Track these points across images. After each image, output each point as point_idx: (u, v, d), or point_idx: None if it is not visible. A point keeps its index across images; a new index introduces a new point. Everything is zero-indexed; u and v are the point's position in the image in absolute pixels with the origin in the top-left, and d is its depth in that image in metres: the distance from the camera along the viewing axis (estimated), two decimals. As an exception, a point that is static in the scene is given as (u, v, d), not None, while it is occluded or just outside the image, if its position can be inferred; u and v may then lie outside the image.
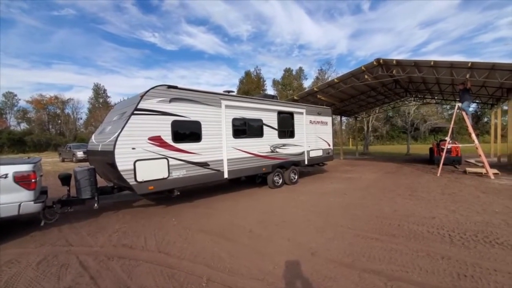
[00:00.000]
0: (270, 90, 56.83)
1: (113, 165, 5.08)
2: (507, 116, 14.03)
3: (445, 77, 11.08)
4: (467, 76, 10.06)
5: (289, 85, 51.48)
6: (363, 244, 3.90)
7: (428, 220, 4.90)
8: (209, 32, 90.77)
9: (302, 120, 10.01)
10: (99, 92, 59.83)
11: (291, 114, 9.49)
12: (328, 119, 11.76)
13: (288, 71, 53.66)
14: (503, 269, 3.02)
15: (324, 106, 12.42)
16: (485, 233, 4.18)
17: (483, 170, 9.90)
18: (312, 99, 15.63)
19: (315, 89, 14.97)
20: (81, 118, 57.60)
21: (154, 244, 4.19)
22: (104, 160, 5.54)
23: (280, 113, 8.96)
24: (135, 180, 5.27)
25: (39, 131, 45.20)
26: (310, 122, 10.49)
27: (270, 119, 8.57)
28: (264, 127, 8.34)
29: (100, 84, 59.73)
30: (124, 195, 7.43)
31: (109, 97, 61.66)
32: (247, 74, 55.06)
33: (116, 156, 5.02)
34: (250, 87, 52.06)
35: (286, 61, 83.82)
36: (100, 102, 59.28)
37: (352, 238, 4.15)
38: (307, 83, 52.54)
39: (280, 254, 3.68)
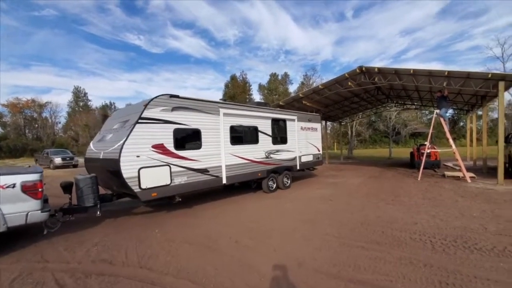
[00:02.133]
0: (256, 95, 57.16)
1: (117, 173, 5.14)
2: (482, 121, 14.81)
3: (424, 84, 11.54)
4: (444, 84, 10.53)
5: (275, 90, 51.97)
6: (349, 253, 3.92)
7: (411, 226, 5.01)
8: (196, 36, 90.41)
9: (294, 127, 10.39)
10: (79, 96, 57.87)
11: (284, 121, 9.87)
12: (318, 126, 12.26)
13: (274, 76, 54.21)
14: (482, 276, 3.12)
15: (314, 113, 12.76)
16: (464, 238, 4.32)
17: (460, 174, 10.33)
18: (297, 104, 15.81)
19: (300, 95, 15.16)
20: (59, 122, 55.44)
21: (135, 258, 4.02)
22: (106, 168, 5.61)
23: (273, 120, 9.32)
24: (139, 187, 5.39)
25: (15, 135, 43.10)
26: (301, 128, 10.86)
27: (265, 126, 8.91)
28: (259, 134, 8.66)
29: (80, 87, 57.83)
30: (123, 203, 7.29)
31: (90, 100, 59.84)
32: (233, 78, 55.12)
33: (121, 164, 5.11)
34: (236, 91, 52.10)
35: (272, 66, 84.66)
36: (81, 106, 57.35)
37: (338, 247, 4.16)
38: (292, 88, 53.34)
39: (267, 265, 3.63)
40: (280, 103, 16.23)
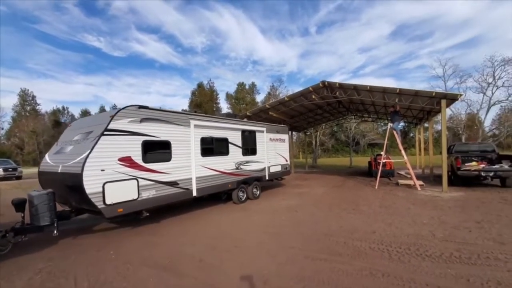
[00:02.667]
0: (224, 104, 57.04)
1: (79, 188, 4.79)
2: (428, 132, 16.50)
3: (379, 100, 12.55)
4: (396, 100, 11.56)
5: (242, 99, 52.35)
6: (313, 267, 3.96)
7: (370, 235, 5.25)
8: (162, 41, 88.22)
9: (263, 138, 10.61)
10: (26, 99, 52.46)
11: (253, 133, 10.03)
12: (286, 137, 12.63)
13: (241, 85, 54.69)
14: (433, 283, 3.34)
15: (282, 125, 13.13)
16: (416, 245, 4.63)
17: (411, 182, 11.24)
18: (264, 115, 16.05)
19: (267, 106, 15.46)
20: (2, 128, 49.37)
21: (86, 286, 3.62)
22: (66, 183, 5.27)
23: (243, 131, 9.44)
24: (104, 203, 5.05)
25: None
26: (270, 139, 11.10)
27: (235, 137, 8.99)
28: (230, 145, 8.71)
29: (28, 90, 52.43)
30: (84, 220, 6.82)
31: (38, 104, 54.48)
32: (200, 86, 54.49)
33: (84, 178, 4.77)
34: (203, 99, 51.50)
35: (240, 75, 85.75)
36: (28, 110, 51.90)
37: (302, 261, 4.19)
38: (259, 98, 54.19)
39: (232, 285, 3.50)
40: (248, 113, 16.34)
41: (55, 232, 5.07)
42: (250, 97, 53.86)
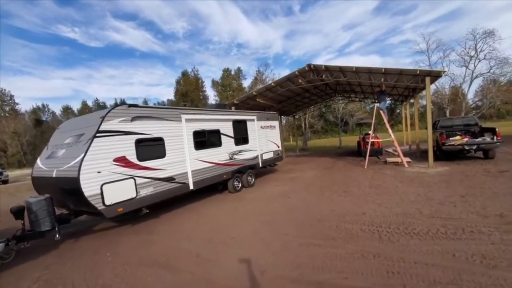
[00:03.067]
0: (210, 91, 56.02)
1: (77, 191, 4.83)
2: (414, 109, 16.80)
3: (365, 80, 12.58)
4: (382, 80, 11.60)
5: (228, 86, 51.43)
6: (307, 253, 4.07)
7: (360, 217, 5.41)
8: (140, 28, 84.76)
9: (254, 126, 10.72)
10: (4, 99, 50.08)
11: (244, 122, 10.13)
12: (276, 123, 12.71)
13: (227, 71, 53.54)
14: (421, 260, 3.50)
15: (271, 112, 13.18)
16: (405, 224, 4.81)
17: (399, 160, 11.54)
18: (251, 102, 15.90)
19: (254, 93, 15.28)
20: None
21: (83, 291, 3.62)
22: (62, 187, 5.29)
23: (234, 121, 9.52)
24: (103, 204, 5.13)
25: None
26: (261, 127, 11.23)
27: (227, 128, 9.08)
28: (222, 136, 8.83)
29: (5, 90, 49.92)
30: (84, 222, 6.85)
31: (17, 104, 52.22)
32: (184, 74, 53.07)
33: (81, 182, 4.81)
34: (189, 88, 50.39)
35: (225, 60, 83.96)
36: (7, 111, 49.74)
37: (297, 248, 4.30)
38: (246, 83, 53.38)
39: (230, 278, 3.57)
40: (235, 101, 16.14)
41: (57, 236, 5.11)
42: (236, 83, 52.92)
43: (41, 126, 52.16)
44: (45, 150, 6.48)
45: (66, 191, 5.28)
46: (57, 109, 60.11)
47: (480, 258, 3.41)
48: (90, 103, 60.90)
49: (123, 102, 58.75)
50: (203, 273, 3.81)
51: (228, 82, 52.15)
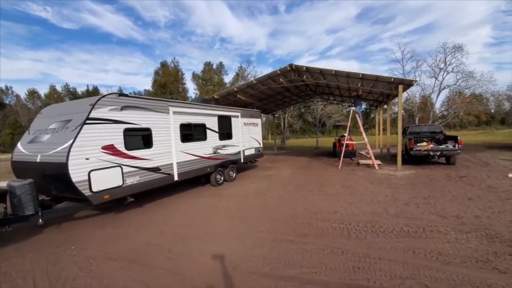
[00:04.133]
0: (190, 84, 54.85)
1: (64, 177, 4.90)
2: (386, 114, 17.67)
3: (344, 84, 13.00)
4: (359, 84, 12.07)
5: (209, 80, 50.55)
6: (280, 249, 4.17)
7: (332, 215, 5.63)
8: (119, 13, 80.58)
9: (238, 123, 10.99)
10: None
11: (229, 118, 10.37)
12: (258, 121, 13.09)
13: (208, 65, 52.50)
14: (385, 257, 3.73)
15: (255, 109, 13.43)
16: (372, 222, 5.09)
17: (371, 162, 12.10)
18: (232, 98, 15.81)
19: (235, 89, 15.19)
20: None
21: (46, 285, 3.44)
22: (47, 172, 5.32)
23: (220, 117, 9.73)
24: (90, 191, 5.23)
25: None
26: (244, 124, 11.53)
27: (212, 123, 9.30)
28: (207, 130, 9.05)
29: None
30: (67, 209, 6.64)
31: (-21, 86, 47.46)
32: (164, 65, 51.33)
33: (69, 168, 4.87)
34: (168, 79, 48.86)
35: (208, 53, 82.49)
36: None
37: (270, 244, 4.38)
38: (228, 78, 52.83)
39: (202, 274, 3.56)
40: (215, 96, 15.94)
41: (40, 221, 5.14)
42: (218, 77, 52.14)
43: (3, 110, 48.09)
44: (26, 134, 6.39)
45: (52, 176, 5.30)
46: (21, 92, 55.52)
47: (437, 255, 3.70)
48: (59, 88, 57.03)
49: (95, 89, 56.01)
50: (175, 268, 3.76)
51: (209, 76, 51.23)
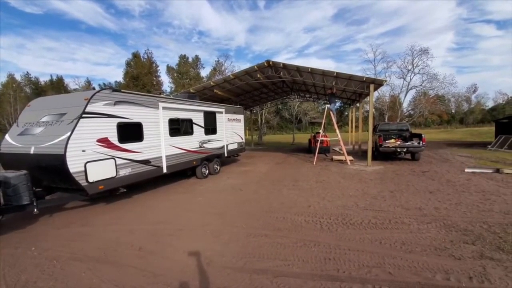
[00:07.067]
0: (165, 77, 53.07)
1: (61, 168, 5.16)
2: (359, 112, 18.41)
3: (319, 82, 13.32)
4: (334, 82, 12.42)
5: (185, 74, 49.19)
6: (255, 243, 4.21)
7: (306, 209, 5.79)
8: None
9: (222, 118, 11.49)
10: None
11: (214, 114, 10.80)
12: (241, 117, 13.61)
13: (183, 58, 51.00)
14: (354, 247, 3.92)
15: (238, 106, 13.88)
16: (343, 215, 5.31)
17: (343, 158, 12.58)
18: (209, 93, 15.57)
19: (212, 83, 14.95)
20: None
21: (2, 289, 3.19)
22: (42, 164, 5.47)
23: (205, 112, 10.17)
24: (87, 181, 5.50)
25: None
26: (228, 119, 12.02)
27: (198, 118, 9.75)
28: (194, 125, 9.47)
29: None
30: (60, 199, 6.49)
31: None
32: (136, 56, 48.99)
33: (67, 159, 5.13)
34: (141, 71, 46.80)
35: (185, 46, 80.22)
36: None
37: (245, 239, 4.41)
38: (204, 72, 51.82)
39: (175, 271, 3.50)
40: (191, 90, 15.59)
41: (35, 210, 5.20)
42: (194, 71, 50.87)
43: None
44: (14, 126, 6.44)
45: (47, 167, 5.45)
46: (-25, 80, 50.12)
47: (401, 245, 3.96)
48: (18, 77, 52.37)
49: (60, 79, 52.21)
50: (147, 266, 3.66)
51: (185, 69, 49.81)
